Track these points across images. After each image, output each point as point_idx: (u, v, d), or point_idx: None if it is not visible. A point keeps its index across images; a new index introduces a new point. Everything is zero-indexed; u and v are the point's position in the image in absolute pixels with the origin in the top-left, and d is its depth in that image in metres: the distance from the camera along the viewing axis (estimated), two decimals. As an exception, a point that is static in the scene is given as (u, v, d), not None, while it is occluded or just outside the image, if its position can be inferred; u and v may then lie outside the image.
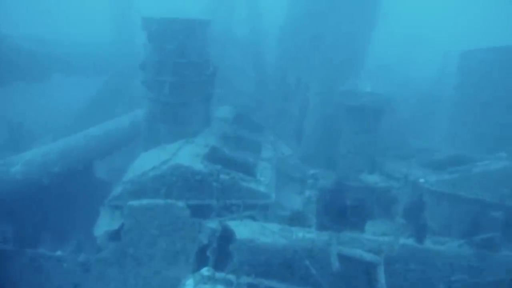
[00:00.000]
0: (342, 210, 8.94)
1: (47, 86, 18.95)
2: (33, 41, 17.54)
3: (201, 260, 8.43)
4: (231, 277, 7.11)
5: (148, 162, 9.78)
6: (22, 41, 16.51)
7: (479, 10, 44.48)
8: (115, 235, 8.98)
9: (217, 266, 7.88)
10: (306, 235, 8.03)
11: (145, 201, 8.68)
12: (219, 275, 7.07)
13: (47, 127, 18.78)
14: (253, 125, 14.04)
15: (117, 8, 22.13)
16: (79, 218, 11.68)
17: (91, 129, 13.35)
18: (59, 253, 9.19)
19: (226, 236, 8.43)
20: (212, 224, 8.60)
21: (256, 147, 11.75)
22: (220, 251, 8.56)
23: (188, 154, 9.37)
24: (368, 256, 7.82)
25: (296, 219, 9.08)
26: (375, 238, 8.36)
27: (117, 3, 22.19)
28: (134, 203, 8.68)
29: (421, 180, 9.51)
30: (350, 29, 13.78)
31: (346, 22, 13.80)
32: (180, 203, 8.54)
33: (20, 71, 16.16)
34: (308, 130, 14.99)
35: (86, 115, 20.02)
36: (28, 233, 11.01)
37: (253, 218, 8.75)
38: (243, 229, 8.23)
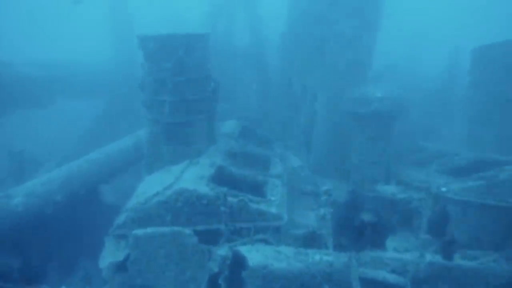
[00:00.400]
0: (360, 227, 8.29)
1: (51, 110, 18.73)
2: (33, 66, 17.36)
3: (212, 290, 7.88)
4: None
5: (151, 186, 9.28)
6: (21, 67, 16.33)
7: (481, 4, 43.61)
8: (121, 266, 8.48)
9: (230, 296, 7.32)
10: (324, 258, 7.41)
11: (150, 230, 8.16)
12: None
13: (52, 152, 18.48)
14: (260, 139, 13.51)
15: (117, 26, 21.95)
16: (86, 247, 11.23)
17: (93, 154, 12.95)
18: (63, 288, 8.71)
19: (238, 263, 7.84)
20: (222, 250, 8.03)
21: (265, 163, 11.19)
22: (232, 279, 7.98)
23: (193, 177, 8.85)
24: (393, 278, 7.18)
25: (311, 239, 8.45)
26: (399, 256, 7.71)
27: (117, 21, 22.02)
28: (139, 232, 8.17)
29: (443, 189, 8.82)
30: (354, 32, 13.21)
31: (349, 25, 13.24)
32: (187, 230, 8.00)
33: (22, 98, 15.95)
34: (317, 140, 14.38)
35: (91, 137, 19.72)
36: (33, 265, 10.58)
37: (265, 241, 8.16)
38: (256, 255, 7.65)
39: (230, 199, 8.17)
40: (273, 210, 8.31)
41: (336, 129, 13.81)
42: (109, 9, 21.44)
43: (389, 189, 9.89)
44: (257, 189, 9.42)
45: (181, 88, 9.48)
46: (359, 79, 13.60)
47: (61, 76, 18.53)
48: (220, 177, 9.39)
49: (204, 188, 8.34)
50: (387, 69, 21.85)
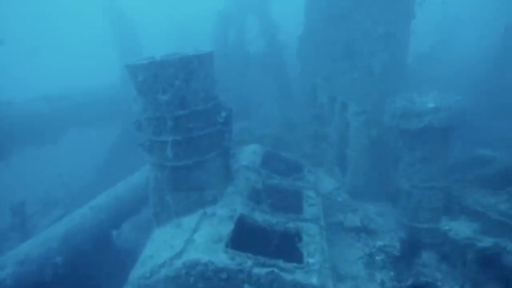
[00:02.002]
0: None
1: (62, 144, 17.34)
2: (38, 101, 16.01)
3: None
4: None
5: (159, 248, 7.36)
6: (24, 104, 14.99)
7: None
8: None
9: None
10: None
11: (157, 314, 6.24)
12: None
13: (66, 189, 17.15)
14: (287, 164, 11.36)
15: (124, 48, 20.44)
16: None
17: (99, 197, 11.22)
18: None
19: None
20: None
21: (296, 200, 9.04)
22: None
23: (207, 239, 6.81)
24: None
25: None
26: None
27: (123, 43, 20.50)
28: (144, 317, 6.25)
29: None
30: (388, 27, 10.81)
31: (381, 20, 10.85)
32: (204, 315, 6.01)
33: (26, 137, 14.58)
34: (353, 158, 12.05)
35: (107, 168, 18.23)
36: None
37: (307, 324, 6.03)
38: None
39: (256, 270, 6.10)
40: (314, 280, 6.14)
41: (375, 145, 11.45)
42: (113, 28, 19.92)
43: (461, 229, 7.46)
44: (289, 243, 7.29)
45: (184, 124, 7.48)
46: (399, 84, 11.21)
47: (70, 107, 17.11)
48: (241, 231, 7.33)
49: (222, 257, 6.29)
50: (420, 61, 19.15)
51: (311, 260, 6.54)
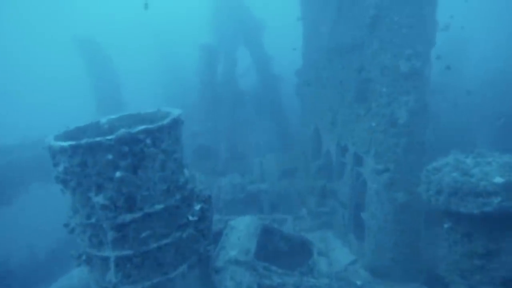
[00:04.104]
0: None
1: (23, 201, 14.48)
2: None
3: None
4: None
5: None
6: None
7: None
8: None
9: None
10: None
11: None
12: None
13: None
14: (290, 244, 8.58)
15: (100, 85, 17.68)
16: None
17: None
18: None
19: None
20: None
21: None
22: None
23: None
24: None
25: None
26: None
27: (100, 80, 17.72)
28: None
29: None
30: (414, 61, 8.26)
31: (405, 51, 8.32)
32: None
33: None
34: (374, 227, 9.26)
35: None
36: None
37: None
38: None
39: None
40: None
41: (402, 213, 8.70)
42: (88, 65, 17.24)
43: None
44: None
45: (134, 234, 4.73)
46: (426, 134, 8.61)
47: (32, 158, 14.31)
48: None
49: None
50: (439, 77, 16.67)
51: None
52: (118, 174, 4.42)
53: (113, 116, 5.93)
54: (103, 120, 5.72)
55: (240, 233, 8.03)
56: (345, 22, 9.92)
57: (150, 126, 4.55)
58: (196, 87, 15.84)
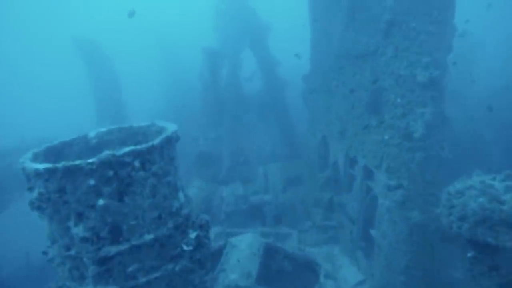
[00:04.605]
0: None
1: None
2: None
3: None
4: None
5: None
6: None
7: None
8: None
9: None
10: None
11: None
12: None
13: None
14: (295, 264, 7.93)
15: (99, 86, 16.97)
16: None
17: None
18: None
19: None
20: None
21: None
22: None
23: None
24: None
25: None
26: None
27: (99, 80, 17.00)
28: None
29: None
30: (432, 70, 7.58)
31: (423, 58, 7.65)
32: None
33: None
34: (385, 247, 8.59)
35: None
36: None
37: None
38: None
39: None
40: None
41: (417, 234, 8.03)
42: (87, 64, 16.63)
43: None
44: None
45: (120, 267, 4.12)
46: (441, 148, 7.93)
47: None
48: None
49: None
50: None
51: None
52: (101, 202, 3.82)
53: (102, 129, 5.33)
54: (92, 133, 5.12)
55: (241, 253, 7.41)
56: (357, 27, 9.26)
57: (138, 147, 3.93)
58: (199, 91, 15.25)
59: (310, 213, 11.41)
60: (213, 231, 10.97)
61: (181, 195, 4.68)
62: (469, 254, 6.12)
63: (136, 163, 3.94)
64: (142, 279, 4.26)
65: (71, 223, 3.92)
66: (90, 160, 3.71)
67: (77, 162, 3.72)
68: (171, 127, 4.76)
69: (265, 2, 16.53)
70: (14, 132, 18.06)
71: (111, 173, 3.81)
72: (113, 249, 4.03)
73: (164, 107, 19.75)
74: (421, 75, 7.66)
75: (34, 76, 38.80)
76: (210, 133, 14.45)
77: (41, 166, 3.77)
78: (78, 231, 3.84)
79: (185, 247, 4.57)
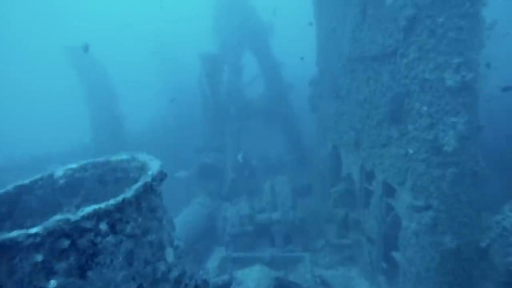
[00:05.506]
0: None
1: None
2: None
3: None
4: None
5: None
6: None
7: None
8: None
9: None
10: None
11: None
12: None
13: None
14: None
15: (94, 97, 15.98)
16: None
17: None
18: None
19: None
20: None
21: None
22: None
23: None
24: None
25: None
26: None
27: (94, 92, 16.02)
28: None
29: None
30: (464, 73, 6.43)
31: (451, 60, 6.50)
32: None
33: None
34: (412, 275, 7.47)
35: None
36: None
37: None
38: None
39: None
40: None
41: (450, 261, 6.89)
42: (82, 77, 15.66)
43: None
44: None
45: None
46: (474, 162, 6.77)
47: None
48: None
49: None
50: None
51: None
52: (53, 283, 2.74)
53: (73, 166, 4.27)
54: (59, 172, 4.07)
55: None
56: (371, 26, 8.10)
57: (103, 206, 2.84)
58: (199, 99, 14.18)
59: (323, 230, 10.29)
60: (217, 256, 9.94)
61: (169, 252, 3.59)
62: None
63: (103, 227, 2.85)
64: None
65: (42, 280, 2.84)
66: (32, 231, 2.62)
67: (14, 233, 2.63)
68: (154, 165, 3.68)
69: (265, 2, 15.37)
70: (2, 148, 17.17)
71: (66, 243, 2.73)
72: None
73: (164, 110, 18.78)
74: (451, 79, 6.49)
75: (26, 87, 37.84)
76: (212, 144, 13.38)
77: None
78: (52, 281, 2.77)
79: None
